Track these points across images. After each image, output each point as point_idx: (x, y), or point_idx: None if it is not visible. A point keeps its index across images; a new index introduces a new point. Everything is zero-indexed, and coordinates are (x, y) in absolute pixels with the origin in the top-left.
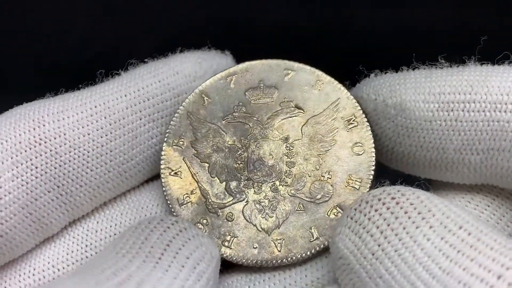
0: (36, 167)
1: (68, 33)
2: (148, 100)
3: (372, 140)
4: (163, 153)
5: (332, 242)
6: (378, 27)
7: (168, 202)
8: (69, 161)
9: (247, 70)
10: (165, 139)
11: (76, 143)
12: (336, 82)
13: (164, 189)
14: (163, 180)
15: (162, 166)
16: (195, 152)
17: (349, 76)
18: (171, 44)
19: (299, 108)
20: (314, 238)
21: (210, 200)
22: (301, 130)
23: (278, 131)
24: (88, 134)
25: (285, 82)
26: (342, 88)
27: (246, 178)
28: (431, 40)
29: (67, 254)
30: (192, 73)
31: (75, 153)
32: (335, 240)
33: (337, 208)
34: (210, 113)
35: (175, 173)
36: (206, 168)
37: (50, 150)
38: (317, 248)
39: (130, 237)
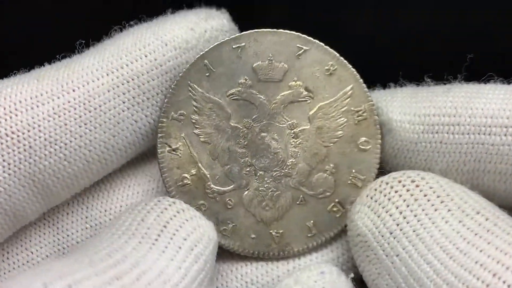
0: (9, 164)
1: (68, 32)
2: (132, 80)
3: (380, 137)
4: (160, 125)
5: (351, 220)
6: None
7: (165, 181)
8: (45, 155)
9: (256, 39)
10: (163, 110)
11: (52, 135)
12: (350, 67)
13: (161, 166)
14: (159, 157)
15: (159, 141)
16: (196, 130)
17: None
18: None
19: (308, 91)
20: (312, 233)
21: (209, 184)
22: (309, 118)
23: (285, 116)
24: (65, 125)
25: (296, 60)
26: (356, 74)
27: (249, 164)
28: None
29: (39, 236)
30: (183, 44)
31: (51, 147)
32: (353, 218)
33: (338, 205)
34: (213, 85)
35: (173, 150)
36: (207, 149)
37: (24, 145)
38: (314, 244)
39: (126, 219)
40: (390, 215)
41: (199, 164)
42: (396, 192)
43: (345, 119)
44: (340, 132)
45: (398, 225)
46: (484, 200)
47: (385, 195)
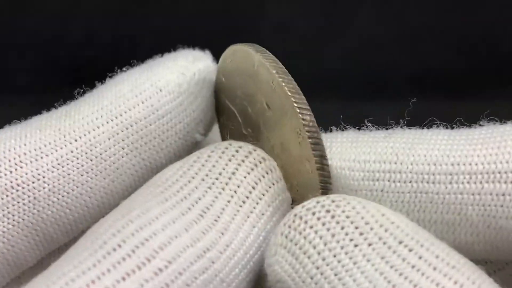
0: (13, 215)
1: (68, 32)
2: (131, 126)
3: (314, 160)
4: None
5: (268, 265)
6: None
7: None
8: (48, 205)
9: (223, 76)
10: None
11: (56, 185)
12: (284, 85)
13: None
14: None
15: None
16: None
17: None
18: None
19: (268, 107)
20: None
21: None
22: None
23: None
24: (69, 175)
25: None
26: (290, 94)
27: None
28: None
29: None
30: (176, 88)
31: (54, 196)
32: (271, 262)
33: None
34: None
35: None
36: None
37: (28, 196)
38: None
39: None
40: (309, 257)
41: None
42: (311, 228)
43: (289, 140)
44: (291, 150)
45: (318, 268)
46: (406, 222)
47: (300, 233)
